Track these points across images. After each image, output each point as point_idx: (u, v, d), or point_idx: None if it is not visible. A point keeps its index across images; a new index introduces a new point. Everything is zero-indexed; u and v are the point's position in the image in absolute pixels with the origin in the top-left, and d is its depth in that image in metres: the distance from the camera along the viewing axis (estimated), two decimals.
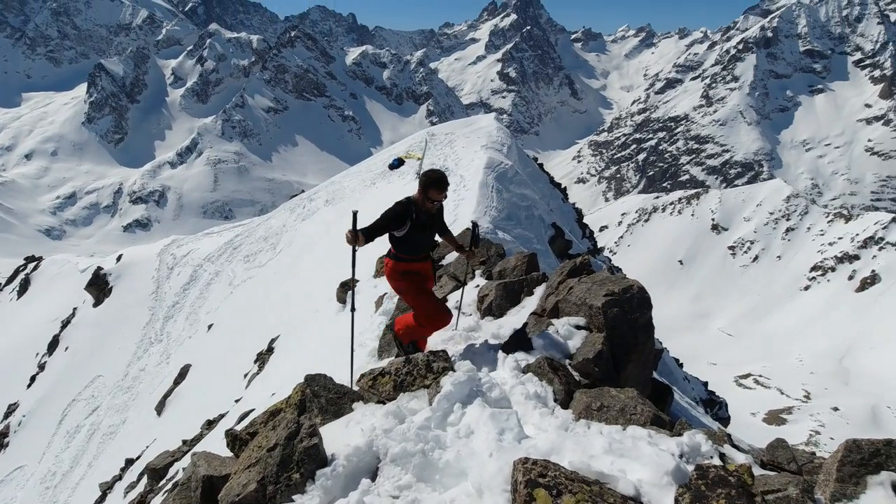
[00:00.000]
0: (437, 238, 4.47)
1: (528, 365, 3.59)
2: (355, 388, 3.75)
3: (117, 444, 14.77)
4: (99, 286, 24.52)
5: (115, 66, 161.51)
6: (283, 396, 3.83)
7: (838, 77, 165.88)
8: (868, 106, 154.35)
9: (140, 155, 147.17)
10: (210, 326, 17.89)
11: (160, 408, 14.19)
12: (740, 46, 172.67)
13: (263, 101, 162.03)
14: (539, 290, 5.03)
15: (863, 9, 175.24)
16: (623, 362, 3.70)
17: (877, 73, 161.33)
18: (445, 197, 4.13)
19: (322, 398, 3.47)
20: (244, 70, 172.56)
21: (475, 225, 4.74)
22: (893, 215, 65.46)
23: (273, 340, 11.61)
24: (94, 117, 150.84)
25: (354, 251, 4.05)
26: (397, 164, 4.84)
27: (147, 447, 11.68)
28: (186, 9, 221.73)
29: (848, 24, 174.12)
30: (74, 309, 24.60)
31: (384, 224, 3.99)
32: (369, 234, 3.90)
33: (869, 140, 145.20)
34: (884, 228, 61.82)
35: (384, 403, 3.34)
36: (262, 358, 11.10)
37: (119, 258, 26.85)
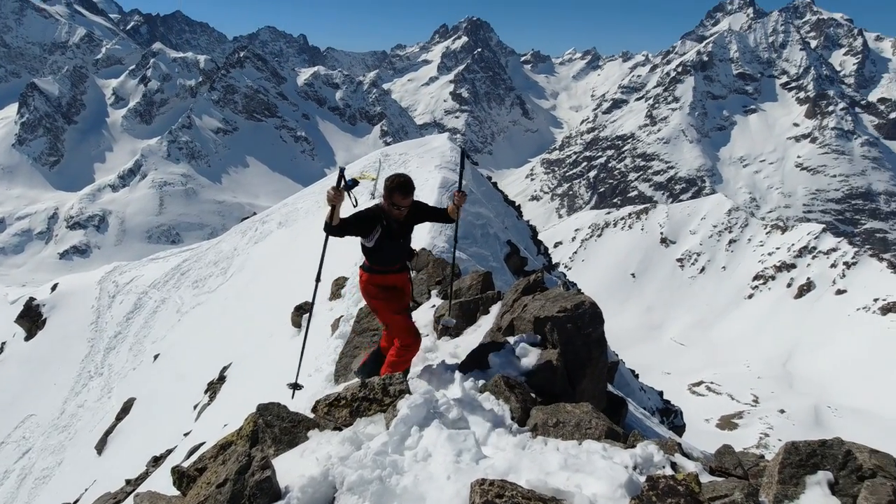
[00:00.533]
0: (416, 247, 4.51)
1: (485, 384, 3.60)
2: (310, 414, 3.65)
3: (52, 489, 13.75)
4: (31, 318, 23.00)
5: (50, 86, 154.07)
6: (234, 428, 3.67)
7: (768, 98, 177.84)
8: (796, 125, 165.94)
9: (78, 178, 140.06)
10: (156, 357, 17.06)
11: (101, 446, 13.33)
12: (679, 69, 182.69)
13: (212, 122, 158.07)
14: (495, 309, 5.07)
15: (786, 36, 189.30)
16: (578, 377, 3.76)
17: (802, 94, 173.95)
18: (411, 202, 3.88)
19: (275, 427, 3.35)
20: (191, 90, 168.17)
21: (465, 153, 4.84)
22: (823, 226, 70.20)
23: (224, 369, 11.17)
24: (25, 139, 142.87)
25: (330, 225, 3.72)
26: (352, 184, 4.63)
27: (86, 490, 10.92)
28: (128, 27, 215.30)
29: (774, 50, 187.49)
30: (3, 343, 22.96)
31: (355, 222, 3.82)
32: (342, 226, 3.75)
33: (798, 156, 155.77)
34: (815, 238, 66.08)
35: (341, 430, 3.26)
36: (213, 387, 10.65)
37: (54, 287, 25.32)
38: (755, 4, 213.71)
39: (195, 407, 10.58)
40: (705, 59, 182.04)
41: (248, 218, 28.80)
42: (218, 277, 20.38)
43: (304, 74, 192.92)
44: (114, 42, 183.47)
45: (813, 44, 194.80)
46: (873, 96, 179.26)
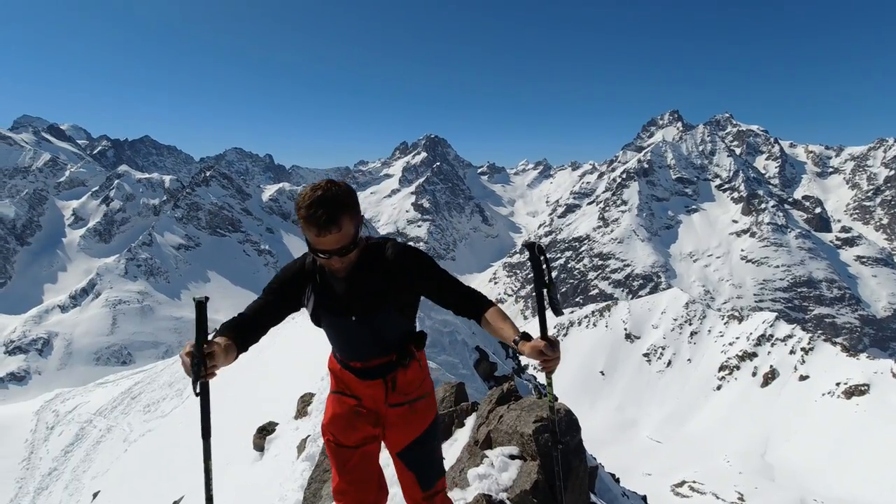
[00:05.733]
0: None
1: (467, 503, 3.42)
2: None
3: None
4: None
5: (6, 209, 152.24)
6: None
7: (706, 199, 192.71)
8: (735, 221, 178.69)
9: (23, 301, 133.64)
10: (96, 494, 15.34)
11: None
12: (624, 176, 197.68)
13: (174, 239, 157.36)
14: (470, 421, 4.94)
15: (713, 145, 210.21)
16: (560, 489, 3.63)
17: (735, 194, 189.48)
18: (342, 247, 2.08)
19: None
20: (154, 209, 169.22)
21: (537, 248, 2.34)
22: (776, 314, 72.95)
23: (175, 503, 10.12)
24: None
25: (199, 368, 1.96)
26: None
27: None
28: (95, 152, 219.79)
29: (705, 157, 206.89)
30: None
31: (264, 300, 2.31)
32: (239, 328, 2.21)
33: (742, 250, 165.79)
34: (771, 326, 68.28)
35: None
36: None
37: None
38: (683, 119, 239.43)
39: None
40: (646, 166, 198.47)
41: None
42: (172, 400, 19.12)
43: (269, 190, 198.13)
44: (79, 165, 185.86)
45: (737, 151, 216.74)
46: (797, 194, 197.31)
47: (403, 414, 2.45)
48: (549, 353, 2.18)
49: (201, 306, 2.05)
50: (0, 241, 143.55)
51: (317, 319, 2.35)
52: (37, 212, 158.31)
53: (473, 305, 2.33)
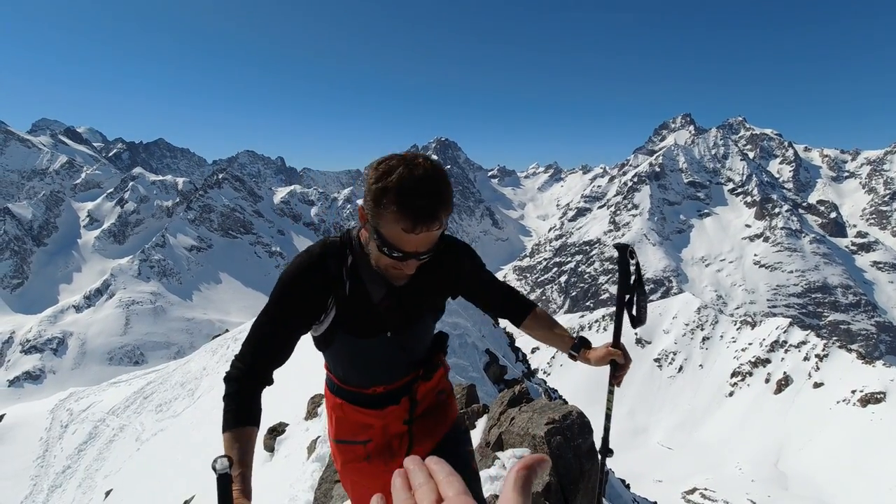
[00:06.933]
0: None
1: None
2: None
3: None
4: None
5: (24, 210, 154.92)
6: None
7: (719, 203, 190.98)
8: (748, 226, 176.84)
9: (40, 300, 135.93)
10: (108, 493, 15.50)
11: None
12: (635, 179, 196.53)
13: (186, 240, 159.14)
14: (481, 423, 4.93)
15: (726, 149, 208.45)
16: (572, 493, 3.61)
17: (748, 199, 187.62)
18: (436, 244, 1.54)
19: None
20: (167, 210, 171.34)
21: (629, 251, 2.04)
22: (790, 320, 71.98)
23: (186, 503, 10.20)
24: None
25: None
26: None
27: None
28: (110, 154, 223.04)
29: (718, 161, 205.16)
30: None
31: (282, 337, 1.66)
32: (255, 410, 1.67)
33: (755, 255, 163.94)
34: (784, 332, 67.37)
35: None
36: None
37: (0, 419, 23.44)
38: (695, 122, 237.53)
39: None
40: (657, 169, 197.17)
41: (219, 335, 28.03)
42: (184, 400, 19.29)
43: (281, 193, 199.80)
44: (94, 168, 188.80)
45: (751, 155, 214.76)
46: (812, 199, 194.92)
47: (426, 421, 1.96)
48: (623, 361, 1.99)
49: (224, 481, 1.35)
50: (17, 242, 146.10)
51: (328, 340, 1.71)
52: (53, 213, 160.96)
53: (519, 306, 2.02)
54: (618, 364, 1.98)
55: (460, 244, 1.88)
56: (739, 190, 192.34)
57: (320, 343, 1.76)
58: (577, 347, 2.01)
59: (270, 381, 1.71)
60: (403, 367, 1.82)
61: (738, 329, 73.05)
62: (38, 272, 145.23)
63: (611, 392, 2.20)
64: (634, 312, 1.99)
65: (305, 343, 1.75)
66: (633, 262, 1.99)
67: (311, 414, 9.48)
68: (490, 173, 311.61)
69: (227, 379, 1.65)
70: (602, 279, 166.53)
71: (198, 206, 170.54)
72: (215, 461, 1.32)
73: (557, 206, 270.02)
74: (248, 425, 1.59)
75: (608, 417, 2.19)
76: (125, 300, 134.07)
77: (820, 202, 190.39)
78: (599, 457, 2.26)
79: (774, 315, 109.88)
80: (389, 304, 1.68)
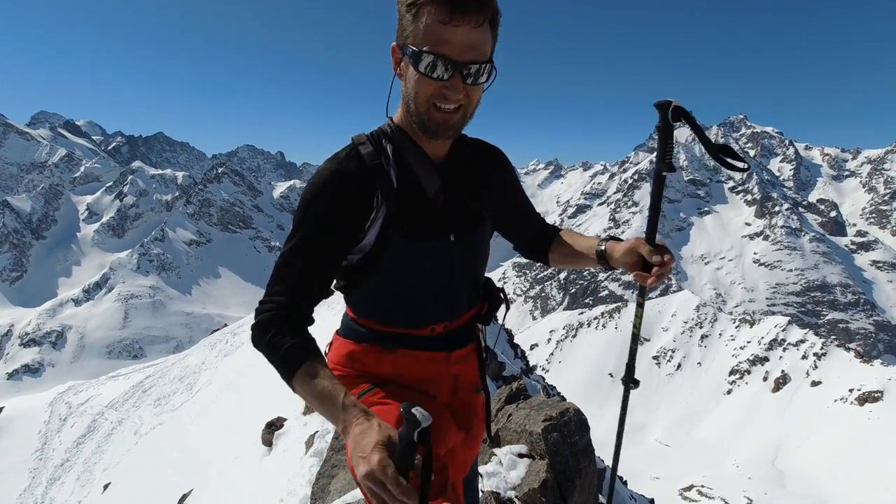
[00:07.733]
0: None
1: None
2: None
3: None
4: None
5: (23, 203, 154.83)
6: None
7: (719, 201, 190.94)
8: (748, 224, 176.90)
9: (39, 294, 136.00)
10: (106, 486, 15.54)
11: None
12: (636, 177, 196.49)
13: (185, 235, 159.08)
14: None
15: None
16: (569, 489, 3.61)
17: (749, 197, 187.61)
18: (487, 61, 1.21)
19: None
20: (167, 204, 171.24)
21: (669, 109, 1.48)
22: (788, 318, 72.12)
23: (184, 497, 10.23)
24: None
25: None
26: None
27: None
28: (110, 148, 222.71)
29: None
30: None
31: (322, 257, 1.33)
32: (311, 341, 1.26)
33: (755, 253, 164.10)
34: (783, 331, 67.50)
35: None
36: None
37: None
38: (696, 120, 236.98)
39: None
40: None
41: (218, 330, 28.05)
42: (183, 394, 19.32)
43: (281, 187, 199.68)
44: (93, 161, 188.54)
45: (752, 153, 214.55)
46: (812, 197, 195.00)
47: (477, 399, 1.57)
48: (651, 258, 1.50)
49: (426, 434, 1.01)
50: (16, 235, 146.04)
51: (374, 259, 1.34)
52: (52, 206, 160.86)
53: (546, 232, 1.79)
54: (647, 262, 1.53)
55: (498, 149, 1.61)
56: (740, 188, 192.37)
57: (358, 271, 1.37)
58: (605, 242, 1.69)
59: (312, 321, 1.31)
60: (466, 293, 1.46)
61: (736, 327, 73.18)
62: (37, 265, 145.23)
63: (639, 305, 1.81)
64: (727, 168, 1.49)
65: None
66: (677, 125, 1.49)
67: (310, 408, 9.49)
68: None
69: (259, 325, 1.27)
70: (601, 276, 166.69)
71: (197, 201, 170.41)
72: (411, 411, 0.94)
73: (557, 202, 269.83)
74: (320, 356, 1.22)
75: (634, 338, 1.81)
76: (124, 294, 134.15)
77: (820, 201, 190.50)
78: (623, 387, 1.97)
79: (773, 313, 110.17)
80: (447, 199, 1.37)
